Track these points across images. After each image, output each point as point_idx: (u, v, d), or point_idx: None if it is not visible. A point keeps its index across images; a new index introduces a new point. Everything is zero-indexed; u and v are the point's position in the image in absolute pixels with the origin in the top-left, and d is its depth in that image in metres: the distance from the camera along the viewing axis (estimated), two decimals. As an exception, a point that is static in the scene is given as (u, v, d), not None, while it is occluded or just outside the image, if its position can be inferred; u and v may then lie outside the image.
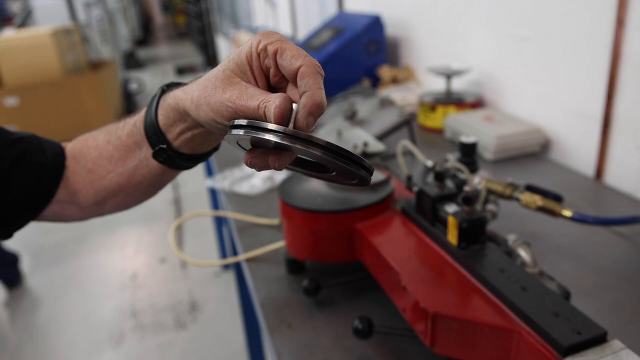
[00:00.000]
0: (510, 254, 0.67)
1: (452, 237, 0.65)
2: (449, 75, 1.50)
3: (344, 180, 0.44)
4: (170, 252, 3.11)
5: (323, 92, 0.39)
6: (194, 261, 1.09)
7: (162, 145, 0.51)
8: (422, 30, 1.91)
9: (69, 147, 0.61)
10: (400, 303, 0.64)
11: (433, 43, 1.85)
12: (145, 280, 2.85)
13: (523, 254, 0.65)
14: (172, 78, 8.82)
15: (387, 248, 0.70)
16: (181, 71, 9.26)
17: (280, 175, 1.22)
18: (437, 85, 1.74)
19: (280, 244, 0.92)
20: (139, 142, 0.54)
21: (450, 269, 0.64)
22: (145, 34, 14.57)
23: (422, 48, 1.93)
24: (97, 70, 5.53)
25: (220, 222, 2.71)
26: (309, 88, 0.39)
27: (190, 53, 11.55)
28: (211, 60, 9.03)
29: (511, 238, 0.67)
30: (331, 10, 3.02)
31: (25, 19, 6.79)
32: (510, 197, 0.82)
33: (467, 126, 1.34)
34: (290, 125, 0.40)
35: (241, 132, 0.39)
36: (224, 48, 7.66)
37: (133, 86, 7.15)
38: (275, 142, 0.38)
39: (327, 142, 0.38)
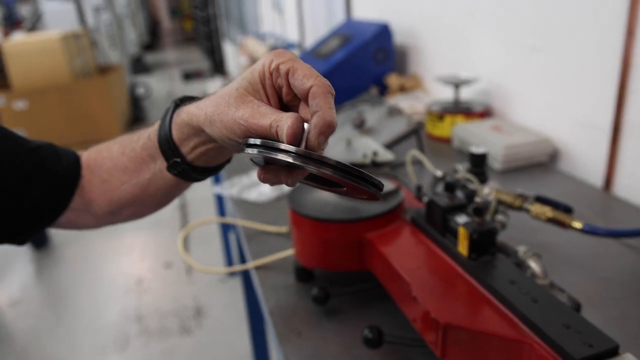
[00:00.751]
0: (521, 265, 0.67)
1: (463, 247, 0.66)
2: (457, 85, 1.51)
3: (354, 194, 0.45)
4: (176, 257, 3.11)
5: (334, 111, 0.40)
6: (203, 268, 1.10)
7: (176, 159, 0.52)
8: (430, 39, 1.91)
9: (84, 156, 0.62)
10: (411, 313, 0.65)
11: (441, 52, 1.85)
12: (150, 285, 2.86)
13: (533, 265, 0.65)
14: (179, 83, 8.87)
15: (397, 258, 0.70)
16: (188, 76, 9.30)
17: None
18: (445, 94, 1.74)
19: (288, 252, 0.93)
20: (153, 154, 0.55)
21: (460, 279, 0.65)
22: (153, 39, 14.67)
23: (429, 57, 1.93)
24: (105, 74, 5.57)
25: (226, 228, 2.71)
26: (320, 108, 0.40)
27: (197, 58, 11.61)
28: (218, 65, 9.06)
29: (521, 249, 0.68)
30: (339, 17, 3.03)
31: (35, 23, 6.85)
32: (520, 208, 0.82)
33: (475, 136, 1.34)
34: (302, 145, 0.41)
35: (255, 151, 0.40)
36: (231, 53, 7.68)
37: (140, 91, 7.19)
38: (288, 162, 0.39)
39: (338, 162, 0.39)
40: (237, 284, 2.76)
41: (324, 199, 0.84)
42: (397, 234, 0.77)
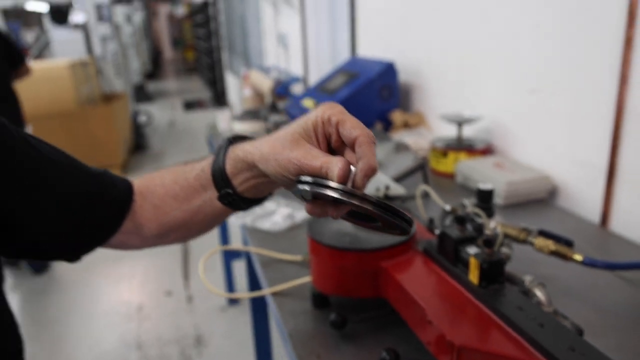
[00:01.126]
0: (527, 293, 0.72)
1: (474, 276, 0.71)
2: (460, 123, 1.58)
3: (388, 230, 0.51)
4: (176, 285, 3.13)
5: (376, 158, 0.48)
6: (222, 293, 1.14)
7: (228, 190, 0.59)
8: (433, 78, 2.00)
9: (137, 184, 0.68)
10: (425, 337, 0.70)
11: (443, 91, 1.94)
12: (151, 313, 2.87)
13: (539, 294, 0.71)
14: (180, 112, 9.00)
15: (411, 285, 0.76)
16: (189, 106, 9.44)
17: (301, 215, 1.29)
18: (447, 131, 1.82)
19: (305, 279, 0.98)
20: (205, 185, 0.61)
21: (471, 306, 0.70)
22: (155, 68, 14.89)
23: (432, 95, 2.02)
24: (110, 102, 5.67)
25: (228, 256, 2.75)
26: (365, 155, 0.48)
27: (197, 88, 11.78)
28: (219, 96, 9.21)
29: (527, 279, 0.73)
30: (343, 54, 3.14)
31: (42, 51, 6.99)
32: (524, 241, 0.88)
33: (478, 172, 1.41)
34: (349, 184, 0.47)
35: (307, 187, 0.47)
36: (233, 85, 7.84)
37: (142, 118, 7.30)
38: (336, 198, 0.46)
39: (378, 200, 0.46)
40: (237, 313, 2.78)
41: (341, 230, 0.89)
42: (410, 263, 0.83)
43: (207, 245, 3.52)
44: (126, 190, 0.66)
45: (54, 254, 0.63)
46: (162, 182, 0.67)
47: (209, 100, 9.76)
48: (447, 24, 1.86)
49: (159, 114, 8.58)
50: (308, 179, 0.48)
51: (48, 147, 0.62)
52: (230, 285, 2.80)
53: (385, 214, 0.47)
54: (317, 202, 0.50)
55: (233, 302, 2.83)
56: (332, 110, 0.51)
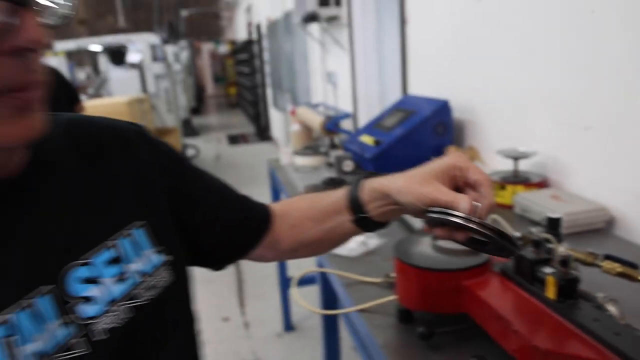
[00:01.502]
0: (600, 308, 0.82)
1: (551, 293, 0.82)
2: (516, 158, 1.69)
3: (497, 252, 0.64)
4: (233, 312, 3.27)
5: (494, 197, 0.63)
6: (319, 311, 1.27)
7: (363, 215, 0.72)
8: (486, 115, 2.12)
9: (275, 207, 0.84)
10: (510, 345, 0.80)
11: (496, 127, 2.05)
12: (210, 337, 3.00)
13: (612, 308, 0.80)
14: (225, 145, 9.32)
15: (493, 300, 0.87)
16: (233, 140, 9.77)
17: (374, 242, 1.41)
18: (501, 165, 1.92)
19: (388, 298, 1.09)
20: (339, 210, 0.75)
21: (550, 318, 0.80)
22: (199, 104, 15.46)
23: (485, 131, 2.13)
24: (162, 137, 5.96)
25: (285, 284, 2.88)
26: (488, 194, 0.63)
27: (240, 123, 12.15)
28: (263, 131, 9.51)
29: (600, 295, 0.83)
30: (392, 93, 3.30)
31: (99, 89, 7.44)
32: (591, 264, 0.98)
33: (536, 204, 1.50)
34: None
35: (440, 216, 0.61)
36: (277, 120, 8.12)
37: (190, 152, 7.62)
38: (462, 224, 0.60)
39: (497, 228, 0.60)
40: (293, 339, 2.89)
41: (423, 252, 1.01)
42: (489, 282, 0.94)
43: (260, 274, 3.65)
44: (265, 212, 0.82)
45: (208, 263, 0.79)
46: (298, 207, 0.83)
47: (252, 134, 10.08)
48: (499, 63, 1.98)
49: (205, 147, 8.91)
50: (438, 209, 0.61)
51: (209, 175, 0.78)
52: (286, 311, 2.92)
53: (501, 239, 0.59)
54: (444, 227, 0.63)
55: (289, 328, 2.94)
56: (460, 159, 0.66)
